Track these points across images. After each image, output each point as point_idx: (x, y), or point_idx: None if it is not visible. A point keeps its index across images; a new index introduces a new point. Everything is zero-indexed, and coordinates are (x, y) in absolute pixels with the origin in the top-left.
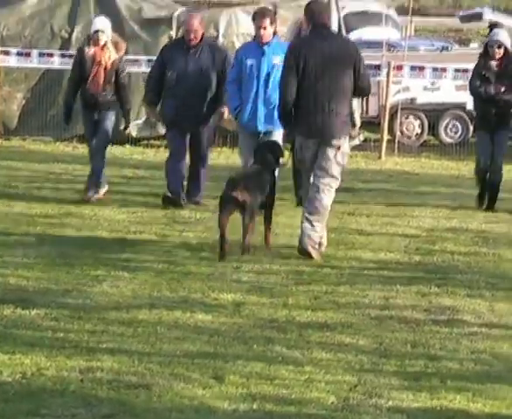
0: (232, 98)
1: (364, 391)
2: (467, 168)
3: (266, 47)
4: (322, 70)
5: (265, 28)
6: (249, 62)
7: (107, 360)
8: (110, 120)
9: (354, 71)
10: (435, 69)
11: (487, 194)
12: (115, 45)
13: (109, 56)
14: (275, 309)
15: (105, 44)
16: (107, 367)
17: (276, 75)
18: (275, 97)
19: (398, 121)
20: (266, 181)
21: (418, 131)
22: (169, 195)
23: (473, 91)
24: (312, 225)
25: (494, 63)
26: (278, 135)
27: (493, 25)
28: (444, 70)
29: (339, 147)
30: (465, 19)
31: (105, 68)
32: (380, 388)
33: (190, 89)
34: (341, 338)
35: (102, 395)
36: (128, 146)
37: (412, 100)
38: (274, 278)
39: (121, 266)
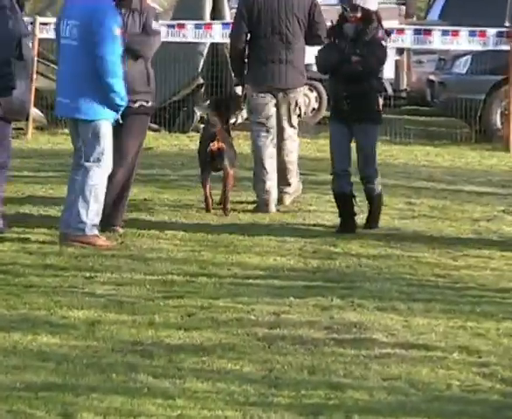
0: None
1: None
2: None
3: None
4: (277, 19)
5: None
6: None
7: None
8: None
9: (308, 18)
10: None
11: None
12: None
13: None
14: (139, 329)
15: None
16: None
17: None
18: None
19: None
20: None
21: (315, 106)
22: None
23: (321, 65)
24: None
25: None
26: None
27: None
28: None
29: (296, 99)
30: None
31: None
32: None
33: None
34: (221, 364)
35: None
36: None
37: (308, 67)
38: (137, 291)
39: None
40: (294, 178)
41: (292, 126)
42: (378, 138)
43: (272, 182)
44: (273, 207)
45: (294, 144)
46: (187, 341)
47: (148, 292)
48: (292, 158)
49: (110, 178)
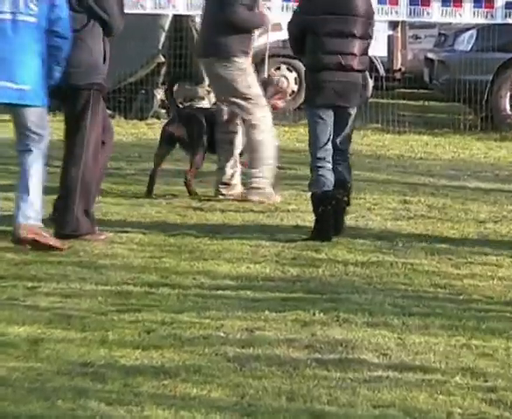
0: None
1: None
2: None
3: None
4: None
5: None
6: None
7: None
8: None
9: None
10: None
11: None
12: None
13: None
14: (89, 348)
15: None
16: None
17: None
18: None
19: (266, 74)
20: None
21: (295, 88)
22: None
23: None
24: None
25: None
26: None
27: None
28: None
29: None
30: None
31: None
32: None
33: None
34: (185, 388)
35: None
36: None
37: (286, 43)
38: (88, 303)
39: None
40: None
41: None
42: (369, 126)
43: None
44: None
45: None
46: (145, 362)
47: (101, 305)
48: None
49: None
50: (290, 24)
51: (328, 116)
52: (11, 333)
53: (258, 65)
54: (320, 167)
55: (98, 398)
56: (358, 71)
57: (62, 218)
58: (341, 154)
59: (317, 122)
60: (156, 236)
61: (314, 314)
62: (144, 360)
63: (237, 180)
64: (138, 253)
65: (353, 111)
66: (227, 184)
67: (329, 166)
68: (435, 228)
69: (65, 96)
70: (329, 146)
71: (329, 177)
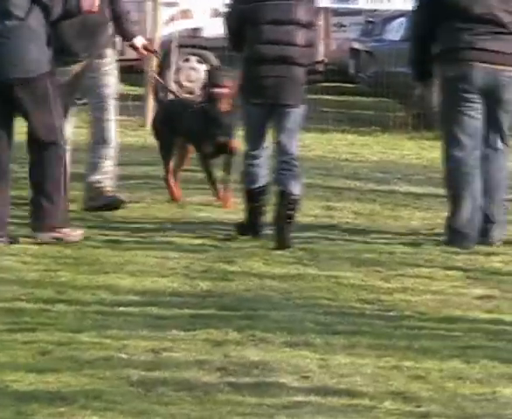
0: None
1: None
2: None
3: None
4: None
5: None
6: None
7: None
8: None
9: None
10: None
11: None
12: None
13: None
14: None
15: None
16: None
17: None
18: None
19: (173, 67)
20: None
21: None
22: None
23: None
24: None
25: None
26: None
27: None
28: None
29: None
30: None
31: None
32: None
33: None
34: (84, 416)
35: None
36: None
37: (196, 32)
38: None
39: None
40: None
41: None
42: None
43: None
44: None
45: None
46: (40, 387)
47: None
48: None
49: None
50: (228, 17)
51: (264, 113)
52: None
53: (165, 57)
54: (251, 164)
55: None
56: (301, 64)
57: None
58: (285, 161)
59: (250, 117)
60: (52, 247)
61: (227, 333)
62: (39, 384)
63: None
64: (32, 266)
65: (297, 109)
66: None
67: (262, 162)
68: (362, 237)
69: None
70: (264, 143)
71: (261, 173)
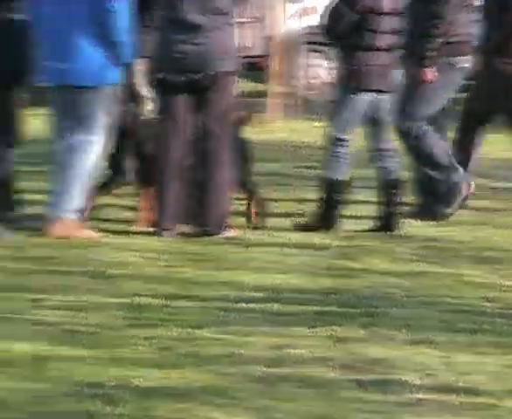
0: None
1: None
2: None
3: None
4: None
5: None
6: None
7: None
8: None
9: None
10: None
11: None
12: None
13: None
14: (99, 367)
15: None
16: None
17: None
18: None
19: (300, 64)
20: None
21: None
22: None
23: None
24: None
25: None
26: None
27: None
28: None
29: None
30: None
31: None
32: None
33: None
34: (206, 412)
35: None
36: None
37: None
38: (97, 317)
39: None
40: None
41: None
42: None
43: None
44: None
45: None
46: (162, 383)
47: (112, 320)
48: None
49: None
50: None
51: (368, 100)
52: (13, 351)
53: (290, 54)
54: (337, 151)
55: None
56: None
57: None
58: (387, 148)
59: (356, 104)
60: (174, 243)
61: (349, 330)
62: (161, 380)
63: None
64: (154, 262)
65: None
66: None
67: (346, 152)
68: (482, 234)
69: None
70: (352, 133)
71: (345, 164)
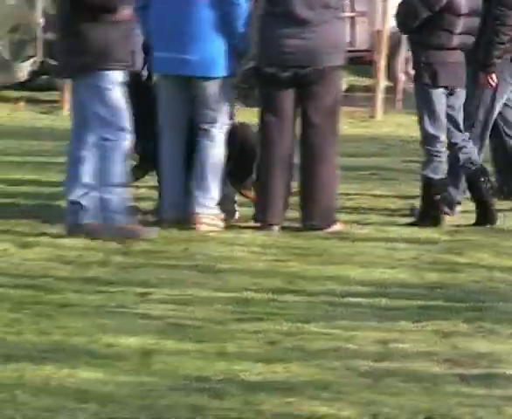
0: None
1: None
2: None
3: None
4: None
5: None
6: None
7: None
8: None
9: None
10: None
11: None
12: None
13: None
14: (206, 361)
15: None
16: None
17: None
18: None
19: (402, 58)
20: None
21: None
22: None
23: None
24: None
25: None
26: None
27: None
28: None
29: None
30: None
31: None
32: None
33: None
34: (312, 406)
35: None
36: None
37: None
38: (204, 311)
39: None
40: None
41: None
42: None
43: None
44: None
45: None
46: (268, 377)
47: (219, 314)
48: None
49: None
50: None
51: (445, 96)
52: (120, 345)
53: (394, 48)
54: (438, 151)
55: (215, 417)
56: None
57: None
58: (464, 139)
59: (437, 101)
60: (281, 238)
61: (455, 325)
62: (267, 374)
63: None
64: (261, 256)
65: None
66: None
67: (445, 151)
68: None
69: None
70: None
71: (444, 163)
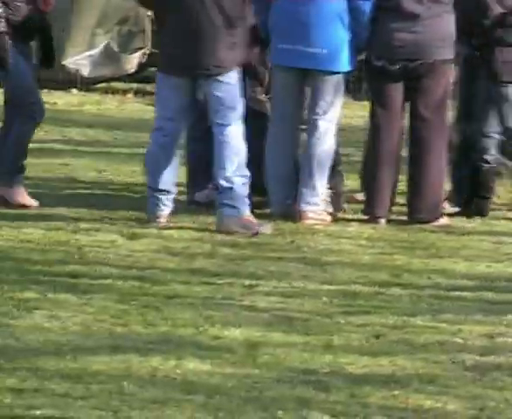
0: None
1: None
2: None
3: None
4: None
5: None
6: None
7: None
8: None
9: None
10: None
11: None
12: None
13: None
14: (312, 353)
15: None
16: None
17: None
18: None
19: None
20: None
21: None
22: None
23: None
24: None
25: None
26: None
27: None
28: None
29: None
30: None
31: None
32: None
33: None
34: (417, 400)
35: None
36: (75, 91)
37: None
38: (311, 304)
39: (64, 284)
40: None
41: None
42: None
43: None
44: None
45: None
46: (374, 370)
47: (325, 307)
48: None
49: None
50: None
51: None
52: (227, 337)
53: None
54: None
55: (321, 409)
56: None
57: None
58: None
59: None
60: (387, 230)
61: None
62: (373, 367)
63: None
64: (367, 249)
65: None
66: None
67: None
68: None
69: None
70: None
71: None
